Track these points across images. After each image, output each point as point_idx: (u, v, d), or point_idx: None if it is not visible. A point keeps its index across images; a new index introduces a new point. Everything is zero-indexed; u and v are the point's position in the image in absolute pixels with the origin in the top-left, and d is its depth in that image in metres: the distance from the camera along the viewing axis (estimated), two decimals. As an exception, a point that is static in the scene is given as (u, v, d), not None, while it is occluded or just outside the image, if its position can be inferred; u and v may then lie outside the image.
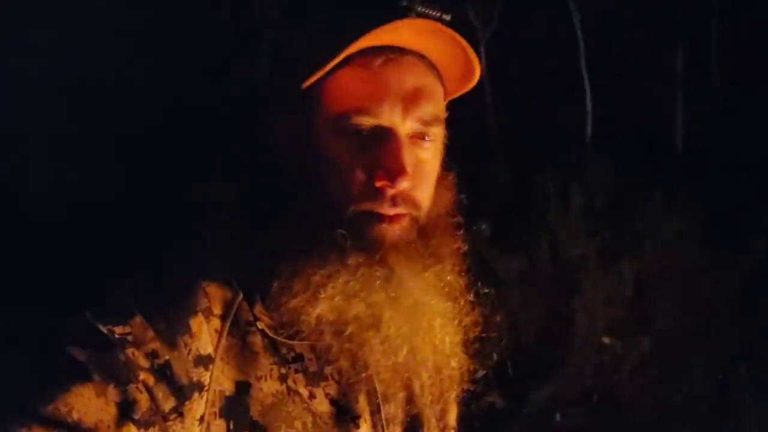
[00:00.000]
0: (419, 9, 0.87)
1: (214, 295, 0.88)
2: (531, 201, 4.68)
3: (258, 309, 0.90)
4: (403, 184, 0.88)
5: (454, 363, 0.97)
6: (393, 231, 0.89)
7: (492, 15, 5.85)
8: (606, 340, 4.13)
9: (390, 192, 0.88)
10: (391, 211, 0.89)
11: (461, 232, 0.99)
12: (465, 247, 0.99)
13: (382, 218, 0.89)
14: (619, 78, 6.77)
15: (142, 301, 0.85)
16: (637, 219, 4.65)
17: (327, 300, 0.87)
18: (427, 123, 0.91)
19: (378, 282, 0.88)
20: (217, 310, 0.88)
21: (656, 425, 3.76)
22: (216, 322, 0.87)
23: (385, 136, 0.88)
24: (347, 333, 0.89)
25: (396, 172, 0.87)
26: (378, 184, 0.87)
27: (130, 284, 0.89)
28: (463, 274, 0.98)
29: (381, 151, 0.88)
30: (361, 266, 0.87)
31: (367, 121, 0.88)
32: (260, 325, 0.90)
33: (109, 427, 0.79)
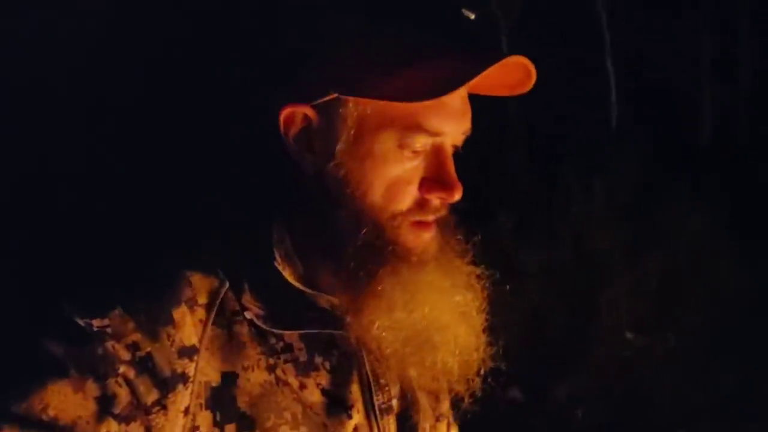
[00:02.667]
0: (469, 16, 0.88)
1: (198, 285, 0.86)
2: (554, 194, 4.64)
3: (246, 298, 0.88)
4: (457, 197, 0.89)
5: (475, 354, 0.96)
6: (431, 236, 0.91)
7: (514, 5, 5.80)
8: (630, 335, 4.09)
9: (438, 203, 0.89)
10: (433, 218, 0.90)
11: (459, 223, 0.98)
12: (475, 238, 0.98)
13: (425, 226, 0.90)
14: (644, 70, 6.69)
15: (122, 293, 0.83)
16: (662, 212, 4.60)
17: (398, 309, 0.88)
18: (467, 134, 0.91)
19: (429, 287, 0.89)
20: (202, 299, 0.85)
21: (680, 422, 3.72)
22: (200, 312, 0.85)
23: (438, 151, 0.88)
24: (413, 343, 0.89)
25: (452, 187, 0.88)
26: (435, 199, 0.88)
27: (110, 275, 0.87)
28: (474, 263, 0.97)
29: (436, 166, 0.88)
30: (413, 274, 0.88)
31: (428, 140, 0.87)
32: (248, 314, 0.88)
33: (88, 423, 0.76)
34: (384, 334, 0.88)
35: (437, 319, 0.90)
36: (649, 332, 4.13)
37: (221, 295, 0.87)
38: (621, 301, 4.14)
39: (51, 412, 0.75)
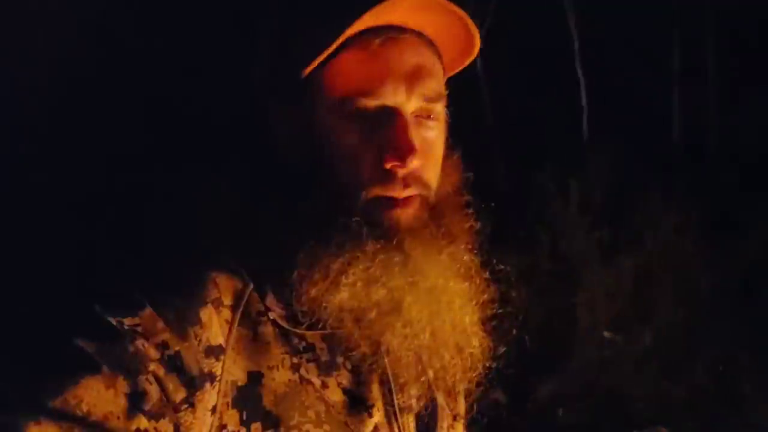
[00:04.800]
0: None
1: (224, 286, 0.88)
2: (530, 198, 4.68)
3: (269, 299, 0.90)
4: (413, 163, 0.87)
5: (475, 342, 0.97)
6: (407, 215, 0.89)
7: (487, 13, 5.86)
8: (608, 334, 4.14)
9: (401, 173, 0.88)
10: (403, 194, 0.88)
11: (471, 210, 0.98)
12: (477, 225, 0.98)
13: (394, 202, 0.89)
14: (614, 73, 6.77)
15: (152, 293, 0.84)
16: (635, 214, 4.66)
17: (348, 287, 0.87)
18: (430, 100, 0.91)
19: (396, 267, 0.88)
20: (227, 300, 0.87)
21: (659, 418, 3.77)
22: (226, 313, 0.87)
23: (390, 116, 0.88)
24: (368, 319, 0.88)
25: (405, 151, 0.86)
26: (388, 165, 0.87)
27: (139, 276, 0.88)
28: (476, 252, 0.97)
29: (387, 131, 0.87)
30: (378, 252, 0.87)
31: (370, 103, 0.87)
32: (271, 315, 0.89)
33: (119, 418, 0.78)
34: (347, 310, 0.89)
35: (393, 300, 0.89)
36: (626, 331, 4.18)
37: (246, 296, 0.89)
38: (598, 302, 4.18)
39: (84, 407, 0.77)
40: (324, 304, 0.87)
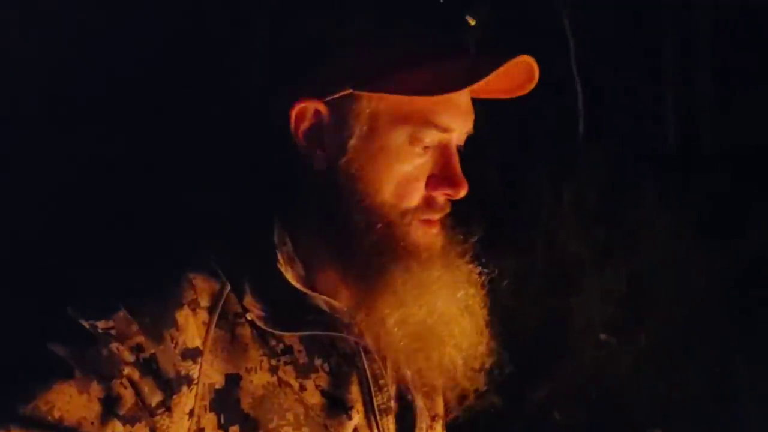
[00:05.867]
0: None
1: (200, 287, 0.86)
2: (524, 200, 4.68)
3: (247, 299, 0.88)
4: (462, 194, 0.91)
5: (480, 349, 0.98)
6: (436, 233, 0.93)
7: (481, 15, 5.87)
8: (603, 336, 4.13)
9: (443, 200, 0.91)
10: (440, 215, 0.92)
11: (468, 215, 1.00)
12: (473, 231, 0.99)
13: (430, 223, 0.92)
14: (609, 76, 6.79)
15: (126, 295, 0.83)
16: (630, 216, 4.66)
17: (409, 304, 0.88)
18: (468, 134, 0.94)
19: (438, 282, 0.90)
20: (204, 302, 0.86)
21: (655, 419, 3.76)
22: (203, 315, 0.86)
23: (446, 148, 0.91)
24: (418, 339, 0.90)
25: (458, 184, 0.90)
26: (442, 196, 0.90)
27: (113, 278, 0.87)
28: (471, 257, 0.98)
29: (444, 163, 0.90)
30: (423, 271, 0.89)
31: (435, 136, 0.89)
32: (249, 316, 0.88)
33: (92, 424, 0.76)
34: (396, 329, 0.89)
35: (445, 314, 0.91)
36: (621, 333, 4.17)
37: (223, 297, 0.88)
38: (593, 304, 4.18)
39: (56, 413, 0.75)
40: (389, 322, 0.89)
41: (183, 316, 0.84)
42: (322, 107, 0.89)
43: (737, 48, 6.78)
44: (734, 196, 5.05)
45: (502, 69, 0.85)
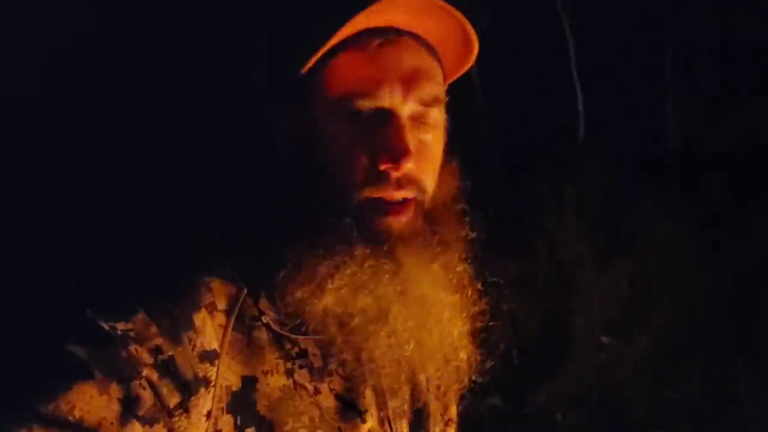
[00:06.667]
0: None
1: (217, 290, 0.87)
2: (525, 203, 4.68)
3: (263, 303, 0.89)
4: (407, 166, 0.87)
5: (462, 355, 0.96)
6: (400, 221, 0.89)
7: (483, 18, 5.88)
8: (605, 339, 4.14)
9: (394, 175, 0.87)
10: (396, 195, 0.88)
11: (467, 219, 0.98)
12: (472, 235, 0.98)
13: (388, 208, 0.88)
14: (609, 79, 6.79)
15: (145, 298, 0.84)
16: (631, 218, 4.66)
17: (333, 291, 0.86)
18: (427, 104, 0.90)
19: (386, 275, 0.87)
20: (221, 305, 0.87)
21: (657, 422, 3.77)
22: (220, 317, 0.87)
23: (386, 118, 0.87)
24: (353, 325, 0.88)
25: (399, 153, 0.86)
26: (382, 167, 0.86)
27: (132, 281, 0.88)
28: (470, 261, 0.97)
29: (383, 133, 0.87)
30: (368, 257, 0.86)
31: (367, 104, 0.87)
32: (265, 319, 0.89)
33: (112, 424, 0.77)
34: (332, 316, 0.88)
35: (380, 309, 0.88)
36: (623, 335, 4.18)
37: (240, 301, 0.88)
38: (595, 306, 4.19)
39: (77, 414, 0.76)
40: (308, 307, 0.87)
41: (201, 318, 0.85)
42: (287, 109, 0.92)
43: (737, 52, 6.79)
44: (735, 199, 5.06)
45: (417, 15, 0.85)
